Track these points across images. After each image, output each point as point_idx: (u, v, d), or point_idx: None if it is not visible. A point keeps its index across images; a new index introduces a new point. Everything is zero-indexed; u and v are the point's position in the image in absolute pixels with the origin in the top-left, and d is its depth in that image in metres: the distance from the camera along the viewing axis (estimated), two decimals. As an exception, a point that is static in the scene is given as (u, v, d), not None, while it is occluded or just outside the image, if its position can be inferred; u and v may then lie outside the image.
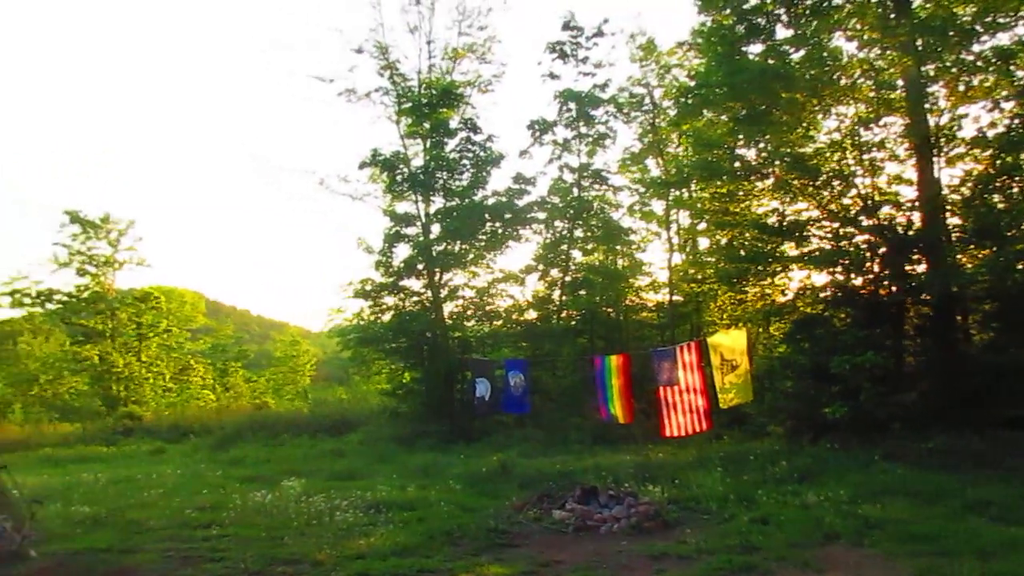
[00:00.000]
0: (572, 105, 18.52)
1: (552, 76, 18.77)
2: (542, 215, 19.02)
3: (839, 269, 13.30)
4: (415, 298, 18.83)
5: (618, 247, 19.28)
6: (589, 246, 19.33)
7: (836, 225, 13.63)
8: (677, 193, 18.73)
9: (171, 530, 8.56)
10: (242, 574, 6.64)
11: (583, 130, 18.84)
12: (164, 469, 13.72)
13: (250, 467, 13.74)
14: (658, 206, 19.75)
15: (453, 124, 19.01)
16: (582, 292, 18.58)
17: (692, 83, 15.67)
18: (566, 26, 18.50)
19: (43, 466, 14.77)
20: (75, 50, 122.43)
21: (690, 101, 14.69)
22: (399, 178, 18.74)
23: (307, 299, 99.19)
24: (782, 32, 13.47)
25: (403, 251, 18.65)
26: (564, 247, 18.93)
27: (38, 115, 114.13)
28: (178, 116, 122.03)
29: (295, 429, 18.54)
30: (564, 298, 18.81)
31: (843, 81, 13.01)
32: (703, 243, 19.43)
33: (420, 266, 18.37)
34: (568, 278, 18.80)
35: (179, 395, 29.08)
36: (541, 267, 19.22)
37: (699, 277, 17.54)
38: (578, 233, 19.07)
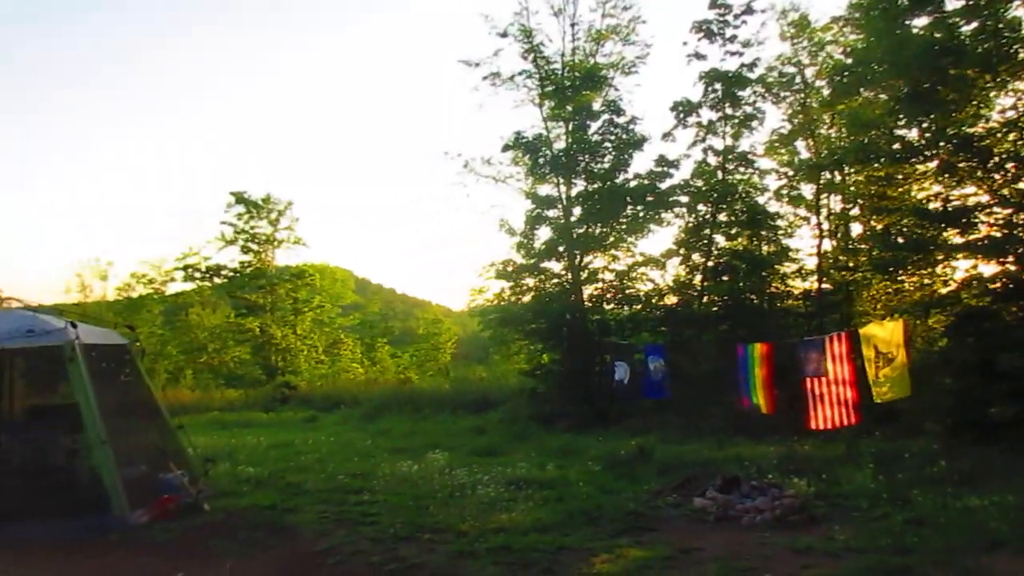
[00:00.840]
0: (718, 86, 17.96)
1: (698, 56, 18.25)
2: (684, 198, 18.65)
3: (1011, 259, 12.31)
4: (555, 280, 18.97)
5: (763, 232, 18.61)
6: (733, 231, 18.75)
7: (1008, 211, 12.60)
8: (829, 176, 17.87)
9: (326, 493, 9.14)
10: (392, 538, 7.01)
11: (729, 111, 18.23)
12: (318, 436, 14.60)
13: (396, 438, 14.38)
14: (807, 190, 18.86)
15: (596, 106, 18.92)
16: (724, 278, 18.10)
17: (849, 60, 14.85)
18: (713, 4, 17.92)
19: (211, 428, 16.03)
20: (239, 39, 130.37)
21: (846, 79, 13.95)
22: (541, 160, 18.87)
23: (449, 279, 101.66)
24: (952, 2, 12.53)
25: (544, 233, 18.85)
26: (707, 231, 18.48)
27: (215, 103, 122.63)
28: (331, 102, 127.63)
29: (437, 404, 19.20)
30: (706, 283, 18.39)
31: (1021, 55, 11.97)
32: (856, 229, 18.42)
33: (560, 248, 18.48)
34: (710, 263, 18.36)
35: (330, 367, 30.72)
36: (683, 251, 18.87)
37: (851, 265, 16.68)
38: (721, 217, 18.54)
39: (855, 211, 17.59)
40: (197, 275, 32.20)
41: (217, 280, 32.22)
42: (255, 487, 9.45)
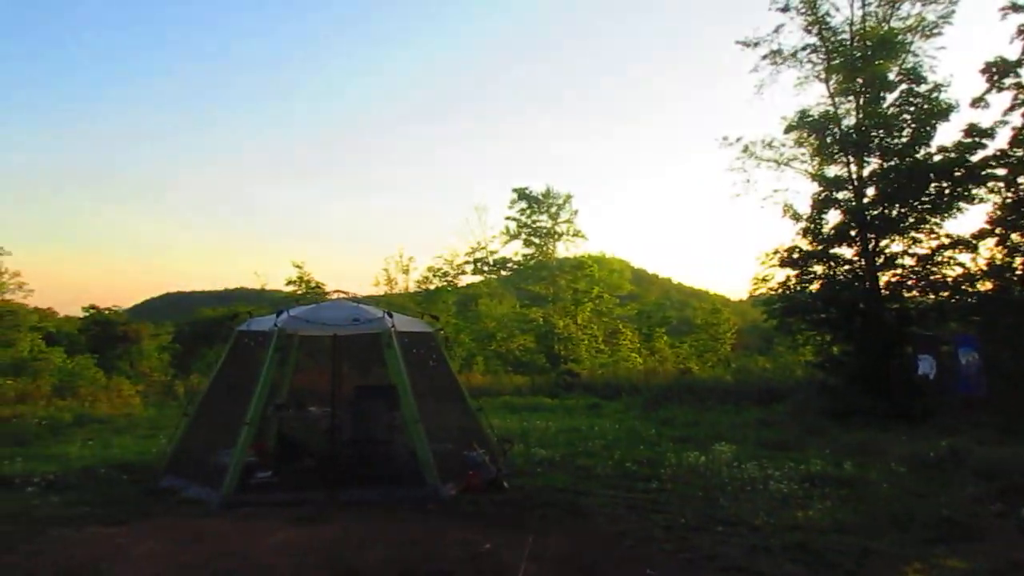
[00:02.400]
0: (1043, 39, 15.55)
1: (1015, 7, 15.95)
2: (1001, 171, 16.40)
3: None
4: (846, 267, 17.66)
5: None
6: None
7: None
8: None
9: (615, 479, 9.33)
10: (683, 528, 6.99)
11: (1056, 68, 15.72)
12: (602, 423, 14.92)
13: (680, 428, 14.28)
14: None
15: (891, 76, 17.27)
16: (1053, 259, 15.68)
17: None
18: (1039, -56, 15.56)
19: (503, 411, 17.02)
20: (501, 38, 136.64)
21: None
22: (828, 139, 17.67)
23: (728, 268, 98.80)
24: None
25: (833, 217, 17.60)
26: (1030, 207, 16.11)
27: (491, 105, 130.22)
28: (607, 91, 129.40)
29: (719, 395, 18.79)
30: (1028, 266, 16.06)
31: None
32: None
33: (852, 232, 17.17)
34: (1035, 243, 15.98)
35: (610, 356, 31.25)
36: (999, 231, 16.62)
37: None
38: (1048, 190, 16.06)
39: None
40: (485, 268, 34.50)
41: (503, 272, 34.26)
42: (548, 469, 9.92)
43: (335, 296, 10.02)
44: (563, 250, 33.69)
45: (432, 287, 34.26)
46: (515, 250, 33.86)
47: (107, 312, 45.12)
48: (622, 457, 10.73)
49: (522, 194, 33.14)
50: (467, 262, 34.61)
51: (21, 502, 7.92)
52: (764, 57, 18.67)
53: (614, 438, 12.75)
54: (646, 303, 39.77)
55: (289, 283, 30.83)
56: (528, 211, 33.35)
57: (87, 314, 46.59)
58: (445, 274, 34.54)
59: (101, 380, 22.15)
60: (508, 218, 33.56)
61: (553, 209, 33.29)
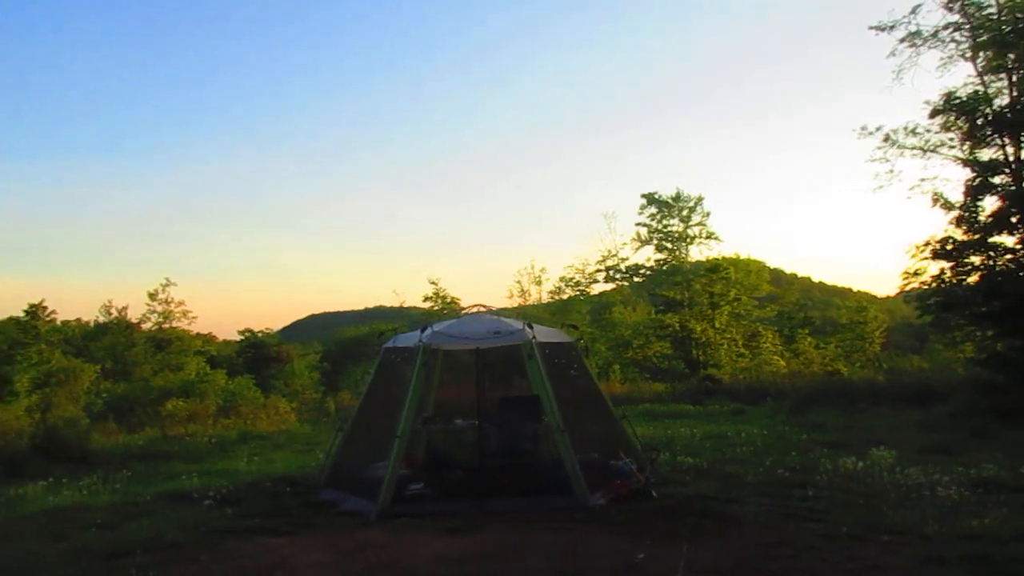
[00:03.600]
0: None
1: None
2: None
3: None
4: (1008, 256, 16.41)
5: None
6: None
7: None
8: None
9: (766, 486, 9.00)
10: (845, 537, 6.65)
11: None
12: (748, 429, 14.47)
13: (832, 433, 13.65)
14: None
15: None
16: None
17: None
18: None
19: (644, 419, 16.80)
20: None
21: None
22: (979, 121, 16.54)
23: (870, 263, 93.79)
24: None
25: (990, 203, 16.44)
26: None
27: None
28: (733, 89, 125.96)
29: (871, 397, 17.86)
30: None
31: None
32: None
33: (1013, 219, 15.94)
34: None
35: (751, 360, 30.30)
36: None
37: None
38: None
39: None
40: (617, 275, 34.25)
41: (636, 279, 33.89)
42: (696, 476, 9.70)
43: (474, 310, 10.20)
44: (696, 253, 32.99)
45: (565, 297, 34.31)
46: (647, 256, 33.44)
47: (260, 335, 48.04)
48: (773, 464, 10.37)
49: (651, 199, 32.71)
50: (598, 270, 34.44)
51: (200, 514, 8.51)
52: (902, 40, 17.79)
53: (762, 444, 12.33)
54: (786, 304, 38.23)
55: (426, 299, 31.76)
56: (658, 216, 32.86)
57: (243, 337, 49.84)
58: (577, 283, 34.52)
59: (259, 399, 23.59)
60: (638, 224, 33.23)
61: (684, 212, 32.65)
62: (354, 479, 9.06)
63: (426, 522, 7.68)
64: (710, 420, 16.99)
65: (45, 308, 31.27)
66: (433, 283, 31.85)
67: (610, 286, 36.11)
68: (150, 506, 9.08)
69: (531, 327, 8.91)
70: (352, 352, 36.80)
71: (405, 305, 35.39)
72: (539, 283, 33.99)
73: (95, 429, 17.48)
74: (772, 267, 52.40)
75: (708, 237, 32.53)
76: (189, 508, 8.87)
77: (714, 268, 32.01)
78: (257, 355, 41.97)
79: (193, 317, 35.90)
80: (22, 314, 30.86)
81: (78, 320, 43.29)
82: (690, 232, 32.67)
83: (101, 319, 37.72)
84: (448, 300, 31.42)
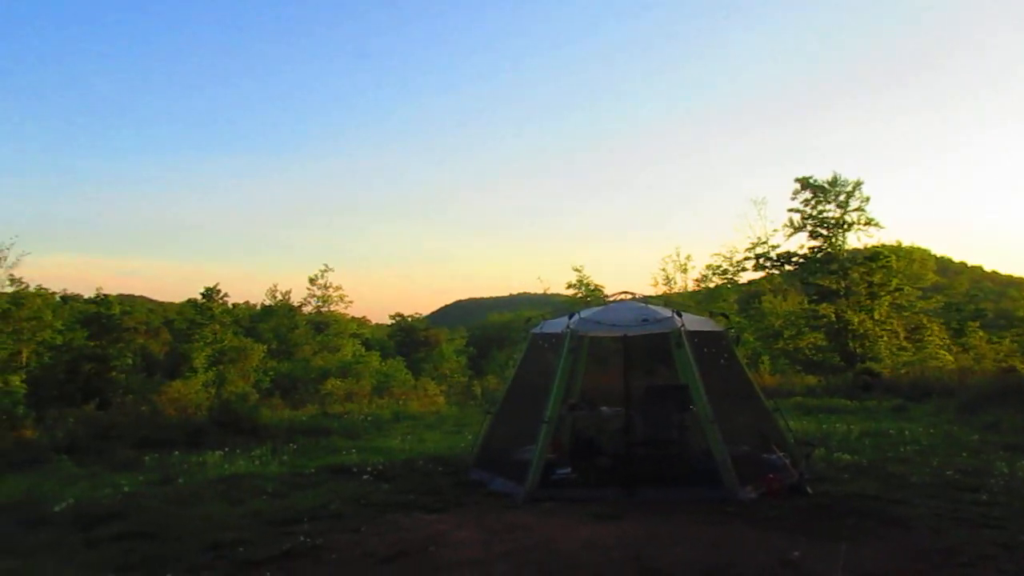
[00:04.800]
0: None
1: None
2: None
3: None
4: None
5: None
6: None
7: None
8: None
9: (934, 488, 8.45)
10: (1026, 547, 6.18)
11: None
12: (912, 427, 13.62)
13: (1007, 434, 12.60)
14: None
15: None
16: None
17: None
18: None
19: (796, 413, 16.16)
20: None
21: None
22: None
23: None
24: None
25: None
26: None
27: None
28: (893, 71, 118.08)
29: (1058, 396, 16.33)
30: None
31: None
32: None
33: None
34: None
35: (915, 354, 28.48)
36: None
37: None
38: None
39: None
40: (767, 263, 33.00)
41: (787, 267, 32.55)
42: (855, 475, 9.24)
43: (621, 297, 10.16)
44: (854, 240, 31.18)
45: (712, 285, 33.42)
46: (800, 243, 31.99)
47: (410, 319, 49.90)
48: (940, 464, 9.72)
49: (806, 183, 31.24)
50: (747, 258, 33.25)
51: (359, 488, 9.00)
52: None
53: (928, 444, 11.58)
54: (953, 295, 35.71)
55: (569, 286, 31.83)
56: (813, 201, 31.37)
57: (393, 322, 51.91)
58: (724, 271, 33.51)
59: (410, 381, 24.55)
60: (791, 210, 31.82)
61: (841, 198, 30.97)
62: (502, 461, 9.28)
63: (573, 507, 7.77)
64: (868, 416, 16.11)
65: (219, 291, 33.80)
66: (577, 270, 31.90)
67: (759, 274, 34.81)
68: (314, 478, 9.69)
69: (680, 315, 8.79)
70: (497, 337, 37.58)
71: (549, 292, 35.62)
72: (685, 271, 33.23)
73: (263, 404, 18.81)
74: (938, 255, 48.95)
75: (867, 223, 30.69)
76: (349, 481, 9.40)
77: (874, 256, 30.24)
78: (407, 339, 43.62)
79: (349, 301, 37.82)
80: (199, 297, 33.50)
81: (246, 303, 46.55)
82: (847, 218, 30.94)
83: (267, 302, 40.38)
84: (592, 287, 31.38)
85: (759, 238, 32.80)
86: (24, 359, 23.09)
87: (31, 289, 24.40)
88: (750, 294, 35.98)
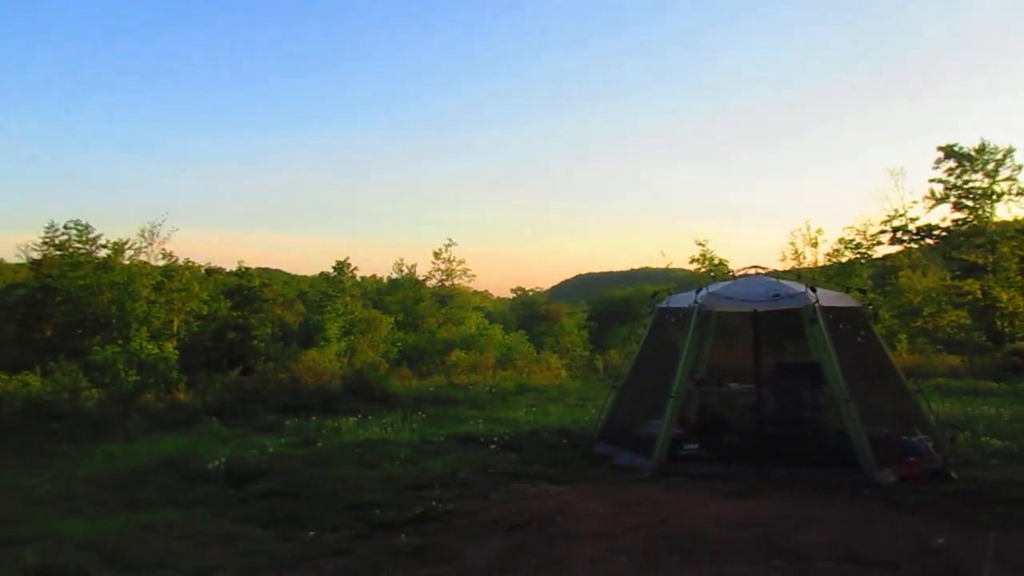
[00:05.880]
0: None
1: None
2: None
3: None
4: None
5: None
6: None
7: None
8: None
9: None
10: None
11: None
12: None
13: None
14: None
15: None
16: None
17: None
18: None
19: (936, 395, 15.28)
20: None
21: None
22: None
23: None
24: None
25: None
26: None
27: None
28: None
29: None
30: None
31: None
32: None
33: None
34: None
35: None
36: None
37: None
38: None
39: None
40: (904, 237, 31.20)
41: (927, 241, 30.68)
42: (1004, 461, 8.68)
43: (750, 272, 9.89)
44: (1004, 212, 28.95)
45: (843, 260, 31.86)
46: (942, 215, 30.02)
47: (531, 293, 50.32)
48: (1105, 455, 9.00)
49: (950, 152, 29.21)
50: (883, 231, 31.44)
51: (486, 457, 9.25)
52: None
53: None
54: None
55: (692, 261, 31.14)
56: (957, 171, 29.33)
57: (514, 296, 52.55)
58: (858, 245, 31.83)
59: (532, 354, 24.78)
60: (933, 180, 29.85)
61: (990, 166, 28.81)
62: (627, 435, 9.29)
63: (701, 483, 7.72)
64: (1019, 400, 15.05)
65: (349, 264, 35.14)
66: (700, 244, 31.06)
67: (896, 248, 32.91)
68: (443, 446, 10.03)
69: (814, 290, 8.49)
70: (618, 312, 37.37)
71: (671, 267, 34.97)
72: (815, 245, 31.77)
73: (392, 374, 19.52)
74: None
75: (1019, 194, 28.45)
76: (477, 450, 9.67)
77: (1025, 229, 28.03)
78: (528, 312, 44.02)
79: (472, 275, 38.48)
80: (331, 270, 34.96)
81: (373, 276, 48.22)
82: (996, 188, 28.76)
83: (394, 275, 41.69)
84: (716, 262, 30.58)
85: (896, 210, 30.99)
86: (175, 327, 24.79)
87: (180, 263, 26.13)
88: (885, 269, 34.01)
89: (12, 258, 28.51)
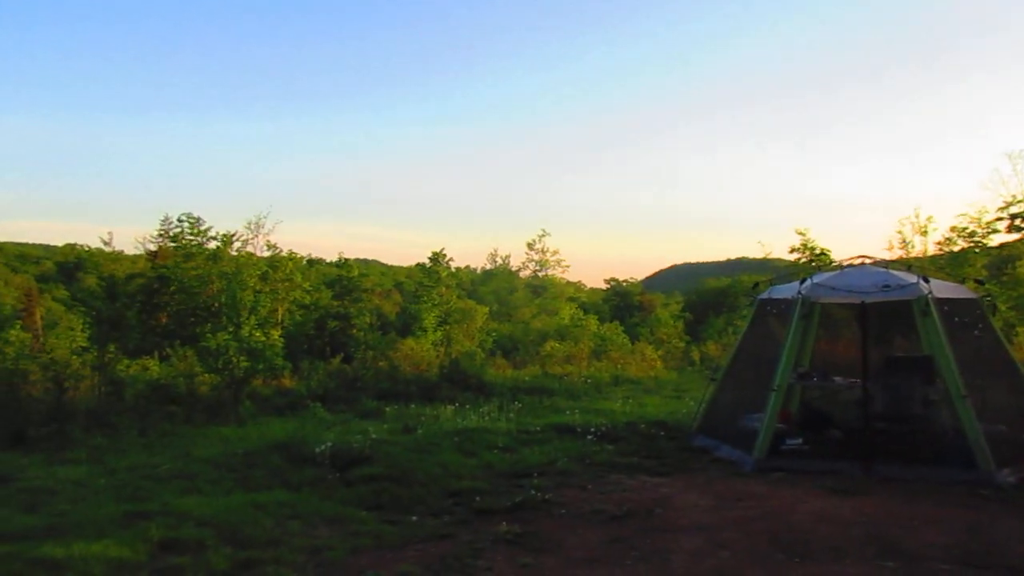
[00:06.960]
0: None
1: None
2: None
3: None
4: None
5: None
6: None
7: None
8: None
9: None
10: None
11: None
12: None
13: None
14: None
15: None
16: None
17: None
18: None
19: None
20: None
21: None
22: None
23: None
24: None
25: None
26: None
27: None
28: None
29: None
30: None
31: None
32: None
33: None
34: None
35: None
36: None
37: None
38: None
39: None
40: (1022, 224, 29.36)
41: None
42: None
43: (857, 262, 9.53)
44: None
45: (956, 249, 30.24)
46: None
47: (625, 283, 49.89)
48: None
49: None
50: (999, 218, 29.65)
51: (583, 447, 9.27)
52: None
53: None
54: None
55: (792, 251, 30.15)
56: (1092, 150, 27.37)
57: (608, 286, 52.19)
58: (972, 234, 30.14)
59: (627, 345, 24.59)
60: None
61: None
62: (727, 429, 9.13)
63: (804, 478, 7.53)
64: None
65: (444, 255, 35.66)
66: (801, 234, 30.05)
67: (1014, 236, 30.99)
68: (541, 435, 10.09)
69: (927, 281, 8.12)
70: (714, 303, 36.57)
71: (770, 256, 34.03)
72: (924, 233, 30.26)
73: (487, 364, 19.76)
74: None
75: None
76: (574, 440, 9.70)
77: None
78: (622, 303, 43.65)
79: (566, 266, 38.48)
80: (426, 261, 35.57)
81: (467, 267, 48.84)
82: None
83: (488, 266, 42.13)
84: (817, 252, 29.54)
85: (1014, 196, 29.18)
86: (280, 316, 25.73)
87: (284, 254, 27.09)
88: (1002, 258, 32.11)
89: (131, 250, 30.24)
